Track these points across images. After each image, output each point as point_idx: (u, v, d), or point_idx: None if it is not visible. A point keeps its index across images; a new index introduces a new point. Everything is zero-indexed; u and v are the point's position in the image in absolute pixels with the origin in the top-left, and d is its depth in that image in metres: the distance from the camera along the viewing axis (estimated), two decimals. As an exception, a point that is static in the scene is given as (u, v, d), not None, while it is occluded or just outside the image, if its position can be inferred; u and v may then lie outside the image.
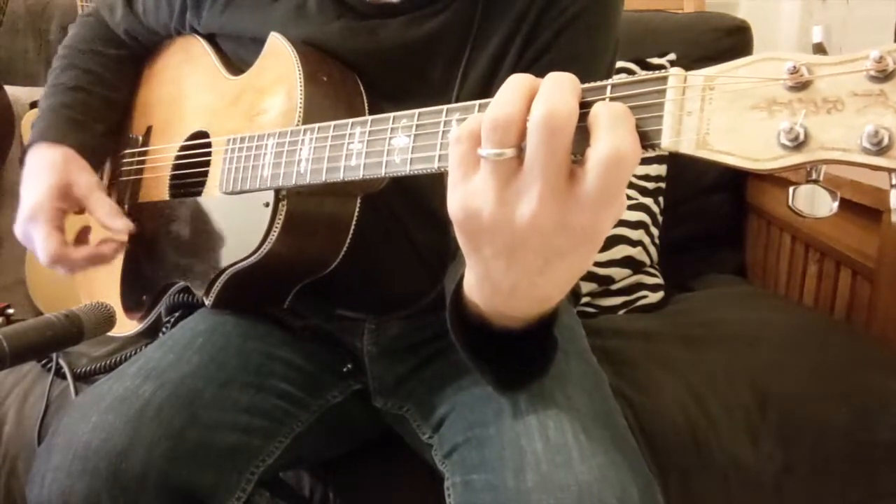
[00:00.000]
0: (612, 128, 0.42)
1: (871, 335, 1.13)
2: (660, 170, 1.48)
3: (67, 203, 0.88)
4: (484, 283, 0.52)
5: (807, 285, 1.35)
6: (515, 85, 0.45)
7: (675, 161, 1.49)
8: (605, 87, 0.46)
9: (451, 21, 0.77)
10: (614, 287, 1.38)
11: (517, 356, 0.60)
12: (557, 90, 0.43)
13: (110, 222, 0.87)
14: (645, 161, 1.46)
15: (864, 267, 1.16)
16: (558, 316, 0.57)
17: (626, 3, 0.81)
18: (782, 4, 1.85)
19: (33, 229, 0.86)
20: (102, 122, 0.97)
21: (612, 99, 0.45)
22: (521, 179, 0.44)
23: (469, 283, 0.54)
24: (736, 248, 1.60)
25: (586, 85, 0.46)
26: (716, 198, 1.57)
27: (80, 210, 0.90)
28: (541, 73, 0.46)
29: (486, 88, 0.77)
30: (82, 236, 0.93)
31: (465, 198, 0.46)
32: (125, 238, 0.90)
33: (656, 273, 1.43)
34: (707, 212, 1.56)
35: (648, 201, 1.45)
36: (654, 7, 1.76)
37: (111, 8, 1.01)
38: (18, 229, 0.88)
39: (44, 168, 0.89)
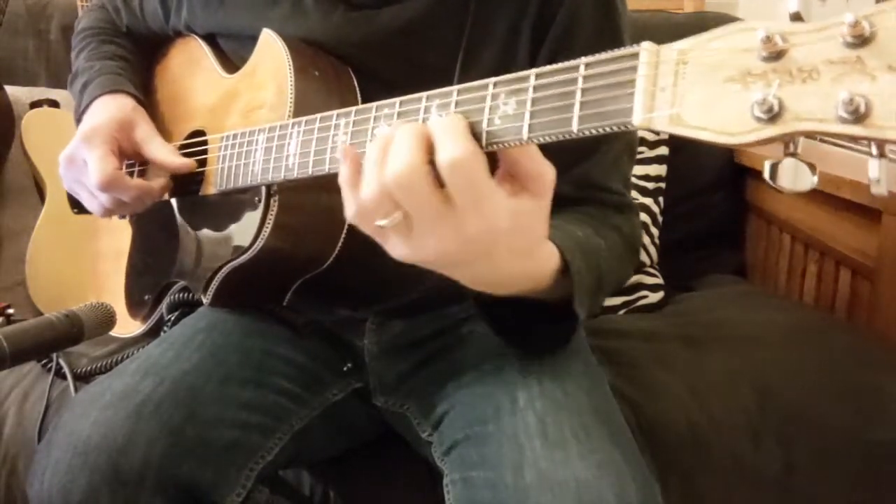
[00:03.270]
0: (441, 142, 0.48)
1: (873, 335, 1.13)
2: (659, 170, 1.48)
3: (125, 138, 0.87)
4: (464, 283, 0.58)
5: (806, 285, 1.35)
6: (370, 161, 0.51)
7: (675, 161, 1.49)
8: (577, 66, 0.46)
9: (446, 1, 0.77)
10: (614, 287, 1.38)
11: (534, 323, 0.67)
12: (394, 150, 0.49)
13: (174, 161, 0.85)
14: (645, 161, 1.46)
15: (863, 266, 1.16)
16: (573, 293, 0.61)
17: (626, 2, 0.81)
18: (781, 4, 1.85)
19: (87, 150, 0.84)
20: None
21: (585, 78, 0.45)
22: (415, 225, 0.51)
23: None
24: (736, 247, 1.60)
25: (561, 65, 0.47)
26: (715, 197, 1.57)
27: (132, 152, 0.89)
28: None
29: (498, 75, 0.77)
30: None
31: (393, 252, 0.54)
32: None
33: (656, 273, 1.43)
34: (707, 212, 1.57)
35: (648, 201, 1.45)
36: (654, 7, 1.76)
37: (115, 8, 1.03)
38: (65, 153, 0.87)
39: (107, 107, 0.89)
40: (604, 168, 0.79)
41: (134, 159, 0.90)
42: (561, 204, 0.78)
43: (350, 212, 0.54)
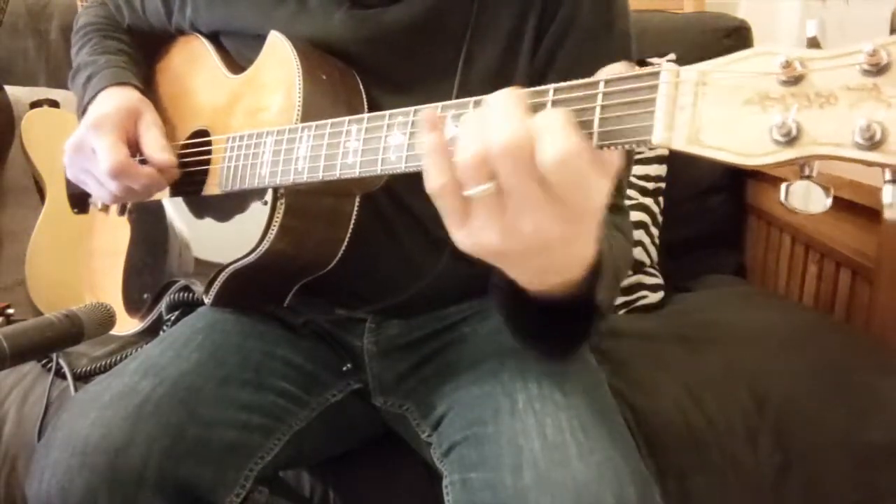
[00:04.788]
0: (544, 136, 0.45)
1: (869, 336, 1.13)
2: (660, 170, 1.48)
3: (131, 127, 0.87)
4: (519, 279, 0.56)
5: (806, 286, 1.35)
6: (471, 124, 0.48)
7: (676, 161, 1.49)
8: (597, 83, 0.46)
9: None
10: (614, 287, 1.38)
11: (561, 323, 0.63)
12: (502, 117, 0.46)
13: (156, 155, 0.85)
14: (645, 161, 1.46)
15: (863, 267, 1.16)
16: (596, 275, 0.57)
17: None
18: (782, 4, 1.85)
19: (96, 138, 0.84)
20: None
21: (604, 95, 0.46)
22: (511, 205, 0.47)
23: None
24: (735, 248, 1.61)
25: (580, 81, 0.47)
26: (716, 198, 1.57)
27: (137, 142, 0.88)
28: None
29: (501, 71, 0.76)
30: None
31: (471, 238, 0.49)
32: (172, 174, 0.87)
33: (656, 273, 1.43)
34: (707, 212, 1.57)
35: (648, 201, 1.45)
36: (654, 7, 1.76)
37: (116, 6, 1.03)
38: (72, 141, 0.86)
39: (114, 98, 0.89)
40: None
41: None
42: None
43: (436, 182, 0.49)
